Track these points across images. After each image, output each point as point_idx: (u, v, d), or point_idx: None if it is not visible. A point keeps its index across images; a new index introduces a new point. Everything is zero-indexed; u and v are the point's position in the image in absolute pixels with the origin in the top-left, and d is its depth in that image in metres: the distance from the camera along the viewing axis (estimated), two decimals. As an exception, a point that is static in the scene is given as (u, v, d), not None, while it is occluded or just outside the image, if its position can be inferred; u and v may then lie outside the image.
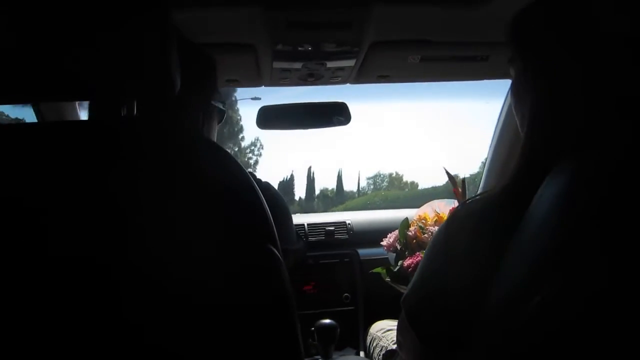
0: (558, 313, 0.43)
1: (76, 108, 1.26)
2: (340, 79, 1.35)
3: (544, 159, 0.57)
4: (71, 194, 0.48)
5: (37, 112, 1.18)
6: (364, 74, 1.33)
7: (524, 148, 0.62)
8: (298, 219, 1.83)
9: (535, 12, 0.62)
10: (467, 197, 1.31)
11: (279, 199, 1.00)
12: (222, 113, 0.96)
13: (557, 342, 0.43)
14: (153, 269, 0.48)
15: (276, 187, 1.18)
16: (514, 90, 0.68)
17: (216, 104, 0.92)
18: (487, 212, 0.62)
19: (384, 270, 1.30)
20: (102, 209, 0.48)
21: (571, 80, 0.57)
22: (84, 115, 1.25)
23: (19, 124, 0.54)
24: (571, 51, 0.57)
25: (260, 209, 0.53)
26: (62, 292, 0.47)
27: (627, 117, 0.52)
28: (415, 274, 0.73)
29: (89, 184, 0.49)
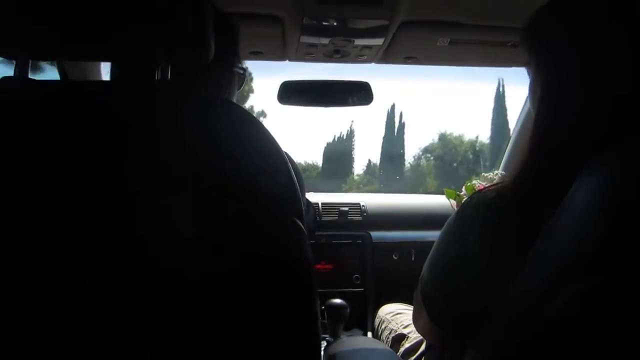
0: (586, 310, 0.42)
1: (100, 68, 1.25)
2: (366, 57, 1.32)
3: (556, 154, 0.57)
4: (92, 156, 0.48)
5: (61, 70, 1.17)
6: (391, 54, 1.31)
7: (533, 142, 0.61)
8: (312, 197, 1.82)
9: (548, 14, 0.61)
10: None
11: (297, 170, 1.00)
12: (242, 79, 0.95)
13: (581, 340, 0.42)
14: (180, 233, 0.48)
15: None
16: (531, 88, 0.67)
17: (237, 70, 0.91)
18: (499, 203, 0.62)
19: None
20: (120, 176, 0.48)
21: (590, 77, 0.56)
22: (105, 75, 1.24)
23: (50, 81, 0.53)
24: (587, 49, 0.56)
25: (289, 180, 0.52)
26: (78, 252, 0.47)
27: None
28: (429, 256, 0.73)
29: (109, 148, 0.49)
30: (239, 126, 0.52)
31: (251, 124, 0.53)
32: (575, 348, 0.43)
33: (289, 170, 0.53)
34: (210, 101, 0.53)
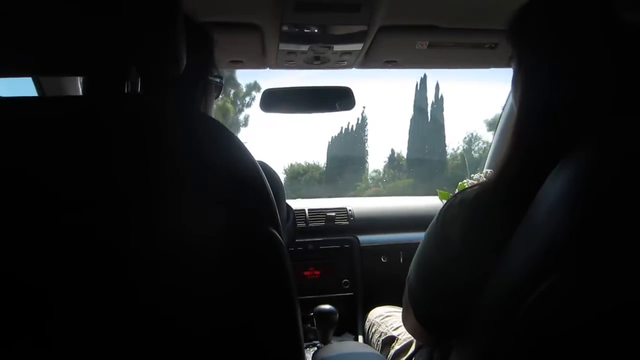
0: (563, 302, 0.43)
1: (77, 83, 1.24)
2: (346, 63, 1.33)
3: (537, 150, 0.58)
4: (71, 171, 0.48)
5: (38, 87, 1.16)
6: (371, 59, 1.32)
7: (514, 139, 0.62)
8: (298, 204, 1.82)
9: (533, 10, 0.62)
10: None
11: (275, 179, 0.99)
12: (219, 88, 0.95)
13: (560, 333, 0.43)
14: (153, 249, 0.48)
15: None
16: (513, 84, 0.68)
17: (213, 80, 0.91)
18: (481, 201, 0.62)
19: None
20: (102, 188, 0.48)
21: (569, 75, 0.57)
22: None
23: (21, 98, 0.53)
24: (568, 47, 0.57)
25: (265, 192, 0.52)
26: (64, 275, 0.46)
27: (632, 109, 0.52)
28: (414, 257, 0.74)
29: (89, 160, 0.48)
30: (213, 138, 0.52)
31: (224, 136, 0.53)
32: (552, 343, 0.43)
33: (263, 180, 0.52)
34: (184, 114, 0.53)
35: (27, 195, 0.46)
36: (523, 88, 0.63)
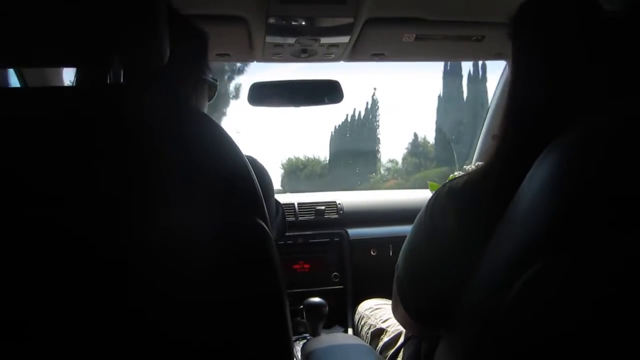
0: (546, 291, 0.43)
1: (60, 74, 1.22)
2: (333, 56, 1.33)
3: (526, 140, 0.58)
4: (48, 165, 0.47)
5: (20, 77, 1.14)
6: (358, 52, 1.31)
7: (503, 129, 0.63)
8: (288, 198, 1.82)
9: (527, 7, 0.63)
10: None
11: (264, 174, 0.99)
12: (214, 88, 0.94)
13: (544, 321, 0.43)
14: (137, 245, 0.47)
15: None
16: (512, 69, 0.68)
17: (207, 78, 0.90)
18: (468, 192, 0.63)
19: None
20: (80, 184, 0.47)
21: (566, 63, 0.58)
22: (67, 81, 1.22)
23: (6, 89, 0.52)
24: (569, 36, 0.57)
25: (253, 187, 0.52)
26: (53, 275, 0.46)
27: (618, 96, 0.53)
28: (403, 247, 0.74)
29: (67, 154, 0.48)
30: (198, 131, 0.52)
31: (210, 129, 0.52)
32: (537, 333, 0.44)
33: (250, 174, 0.52)
34: (167, 107, 0.53)
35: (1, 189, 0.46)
36: (513, 79, 0.64)
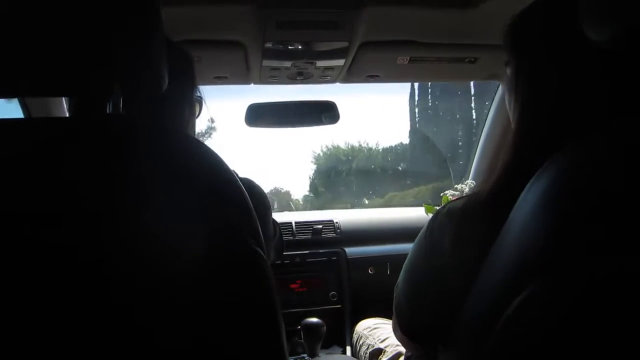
0: (539, 314, 0.44)
1: (63, 104, 1.24)
2: (329, 78, 1.35)
3: (526, 163, 0.58)
4: (52, 192, 0.48)
5: (24, 107, 1.16)
6: (353, 74, 1.34)
7: (509, 151, 0.63)
8: (285, 217, 1.83)
9: (531, 17, 0.63)
10: None
11: (260, 194, 1.00)
12: (200, 105, 0.96)
13: (537, 344, 0.44)
14: (134, 268, 0.48)
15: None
16: (508, 91, 0.69)
17: (195, 98, 0.92)
18: (468, 213, 0.63)
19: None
20: (84, 208, 0.48)
21: (556, 86, 0.59)
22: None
23: (5, 119, 0.53)
24: (561, 57, 0.58)
25: (246, 208, 0.53)
26: (44, 289, 0.46)
27: (613, 118, 0.53)
28: (403, 267, 0.74)
29: (72, 182, 0.48)
30: (192, 156, 0.53)
31: (203, 153, 0.53)
32: (532, 354, 0.44)
33: (243, 196, 0.53)
34: (163, 133, 0.54)
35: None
36: (522, 98, 0.64)
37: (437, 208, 1.57)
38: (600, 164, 0.45)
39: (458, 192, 1.77)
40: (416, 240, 0.72)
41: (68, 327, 0.46)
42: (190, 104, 0.86)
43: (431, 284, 0.67)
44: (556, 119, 0.58)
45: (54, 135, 0.51)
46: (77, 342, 0.46)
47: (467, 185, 1.78)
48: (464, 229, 0.62)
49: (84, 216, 0.47)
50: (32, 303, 0.46)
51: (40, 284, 0.46)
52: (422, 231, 0.71)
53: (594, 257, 0.42)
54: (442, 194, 1.58)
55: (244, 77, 1.34)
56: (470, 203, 0.64)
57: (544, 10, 0.61)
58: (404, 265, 0.74)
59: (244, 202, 0.53)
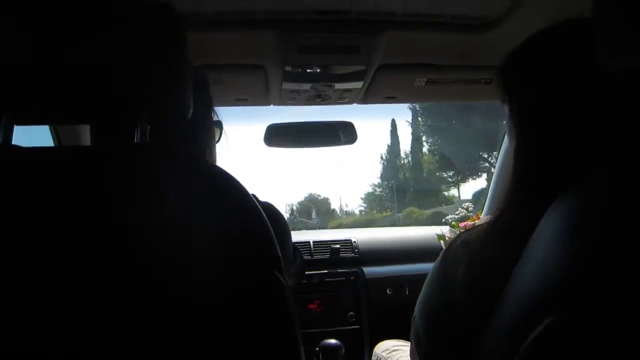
0: (563, 342, 0.43)
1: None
2: (347, 99, 1.38)
3: (535, 190, 0.58)
4: (76, 221, 0.49)
5: (55, 136, 1.21)
6: (371, 95, 1.36)
7: (513, 180, 0.63)
8: (303, 236, 1.83)
9: (538, 48, 0.63)
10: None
11: (279, 218, 1.00)
12: (220, 129, 0.97)
13: None
14: (151, 295, 0.48)
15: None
16: (508, 125, 0.70)
17: (215, 124, 0.93)
18: (482, 243, 0.62)
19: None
20: (107, 237, 0.49)
21: (569, 114, 0.58)
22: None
23: (34, 148, 0.54)
24: (572, 86, 0.58)
25: (267, 235, 0.53)
26: (57, 306, 0.47)
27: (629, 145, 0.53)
28: (419, 297, 0.73)
29: (96, 212, 0.49)
30: (215, 185, 0.53)
31: (229, 185, 0.54)
32: None
33: (264, 223, 0.53)
34: (187, 161, 0.55)
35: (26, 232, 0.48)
36: (519, 131, 0.64)
37: (448, 236, 1.56)
38: (623, 195, 0.44)
39: (458, 216, 1.77)
40: (430, 271, 0.71)
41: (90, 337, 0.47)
42: (210, 128, 0.87)
43: (447, 319, 0.65)
44: (574, 148, 0.58)
45: (82, 164, 0.52)
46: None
47: (465, 209, 1.77)
48: (479, 259, 0.61)
49: (111, 245, 0.48)
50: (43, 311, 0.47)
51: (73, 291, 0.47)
52: (436, 263, 0.70)
53: (617, 287, 0.41)
54: (444, 220, 1.58)
55: (264, 98, 1.37)
56: (484, 232, 0.64)
57: (552, 40, 0.61)
58: (419, 297, 0.73)
59: (266, 230, 0.53)
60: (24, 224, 0.48)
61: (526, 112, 0.63)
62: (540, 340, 0.43)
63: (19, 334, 0.46)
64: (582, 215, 0.46)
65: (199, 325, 0.48)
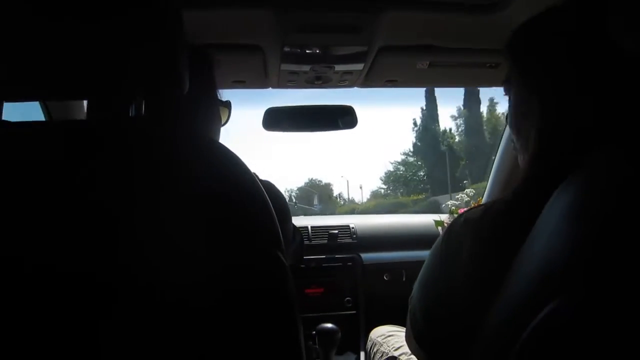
0: (566, 326, 0.42)
1: (84, 106, 1.26)
2: (347, 82, 1.35)
3: (548, 174, 0.57)
4: (67, 195, 0.48)
5: (46, 111, 1.18)
6: (371, 78, 1.33)
7: (529, 162, 0.62)
8: (301, 221, 1.83)
9: (552, 22, 0.62)
10: None
11: (280, 198, 1.00)
12: (226, 113, 0.96)
13: (564, 355, 0.42)
14: (151, 273, 0.48)
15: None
16: (513, 106, 0.68)
17: (220, 105, 0.92)
18: (485, 222, 0.62)
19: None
20: (98, 214, 0.48)
21: (581, 91, 0.57)
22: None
23: (25, 122, 0.53)
24: (586, 60, 0.57)
25: (268, 214, 0.52)
26: (54, 294, 0.46)
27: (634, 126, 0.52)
28: (419, 277, 0.73)
29: (88, 185, 0.49)
30: (213, 160, 0.52)
31: (225, 157, 0.53)
32: None
33: (264, 201, 0.53)
34: (185, 137, 0.54)
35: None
36: (541, 106, 0.63)
37: (446, 222, 1.56)
38: (625, 178, 0.43)
39: (459, 202, 1.76)
40: (431, 250, 0.71)
41: (85, 327, 0.47)
42: (213, 108, 0.86)
43: (447, 296, 0.65)
44: (583, 126, 0.57)
45: (75, 140, 0.52)
46: (93, 345, 0.47)
47: (466, 194, 1.76)
48: (483, 238, 0.61)
49: (102, 220, 0.48)
50: (46, 306, 0.46)
51: (57, 285, 0.47)
52: (437, 241, 0.70)
53: (621, 271, 0.40)
54: (444, 205, 1.58)
55: (262, 81, 1.35)
56: (489, 213, 0.63)
57: (565, 14, 0.60)
58: (419, 276, 0.73)
59: (266, 209, 0.53)
60: (15, 201, 0.47)
61: (535, 87, 0.62)
62: (540, 328, 0.42)
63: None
64: (586, 200, 0.45)
65: (197, 305, 0.48)
